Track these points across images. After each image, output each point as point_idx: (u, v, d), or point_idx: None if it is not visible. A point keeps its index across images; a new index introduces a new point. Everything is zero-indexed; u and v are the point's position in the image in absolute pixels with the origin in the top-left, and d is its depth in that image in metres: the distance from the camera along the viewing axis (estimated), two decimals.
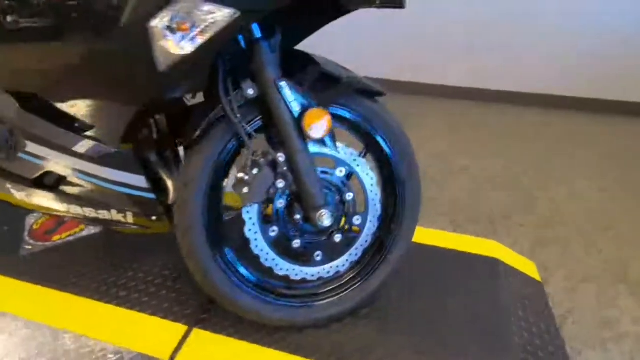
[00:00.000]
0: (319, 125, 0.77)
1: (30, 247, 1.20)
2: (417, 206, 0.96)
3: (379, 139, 0.90)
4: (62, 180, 0.81)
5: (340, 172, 0.88)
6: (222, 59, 0.76)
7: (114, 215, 0.82)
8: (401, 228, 0.95)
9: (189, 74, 0.70)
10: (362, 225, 0.92)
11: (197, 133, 0.78)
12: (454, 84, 2.59)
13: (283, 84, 0.77)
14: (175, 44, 0.65)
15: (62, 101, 0.75)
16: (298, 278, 0.91)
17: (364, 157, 0.93)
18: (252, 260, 0.87)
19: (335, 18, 0.84)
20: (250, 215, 0.82)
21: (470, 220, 1.43)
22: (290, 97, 0.77)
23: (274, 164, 0.79)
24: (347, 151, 0.88)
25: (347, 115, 0.87)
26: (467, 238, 1.31)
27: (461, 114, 2.34)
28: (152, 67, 0.66)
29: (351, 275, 0.97)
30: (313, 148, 0.82)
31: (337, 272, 0.94)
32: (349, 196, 0.90)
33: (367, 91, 0.87)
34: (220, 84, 0.76)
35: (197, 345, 0.91)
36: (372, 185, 0.91)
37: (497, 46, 2.43)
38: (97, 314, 0.99)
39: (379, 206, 0.93)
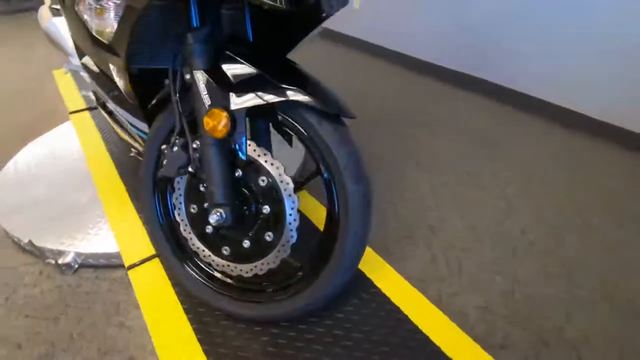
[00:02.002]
0: (215, 125, 0.75)
1: None
2: (349, 263, 0.83)
3: (322, 170, 0.80)
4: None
5: (262, 182, 0.83)
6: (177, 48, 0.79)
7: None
8: (315, 278, 0.84)
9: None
10: (272, 245, 0.85)
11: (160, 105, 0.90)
12: None
13: (199, 76, 0.76)
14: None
15: None
16: (206, 260, 0.94)
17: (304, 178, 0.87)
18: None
19: (317, 25, 0.84)
20: (179, 185, 0.90)
21: None
22: (203, 90, 0.77)
23: (186, 148, 0.82)
24: (277, 165, 0.82)
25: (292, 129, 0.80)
26: None
27: None
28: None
29: (263, 289, 0.94)
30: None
31: (255, 275, 0.90)
32: (265, 209, 0.84)
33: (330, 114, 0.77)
34: (170, 69, 0.81)
35: None
36: (292, 209, 0.82)
37: None
38: None
39: (294, 233, 0.83)
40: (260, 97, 0.73)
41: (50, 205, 1.32)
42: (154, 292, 1.04)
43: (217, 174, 0.79)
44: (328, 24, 3.46)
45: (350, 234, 0.79)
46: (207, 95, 0.76)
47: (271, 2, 0.63)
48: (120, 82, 0.87)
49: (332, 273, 0.82)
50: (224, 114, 0.74)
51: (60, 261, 1.13)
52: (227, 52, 0.77)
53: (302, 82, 0.76)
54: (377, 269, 1.13)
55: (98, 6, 0.78)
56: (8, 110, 2.22)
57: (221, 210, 0.80)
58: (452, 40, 2.41)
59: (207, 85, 0.75)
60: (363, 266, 1.13)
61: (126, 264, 1.11)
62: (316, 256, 0.86)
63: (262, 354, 0.89)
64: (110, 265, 1.16)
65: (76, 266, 1.15)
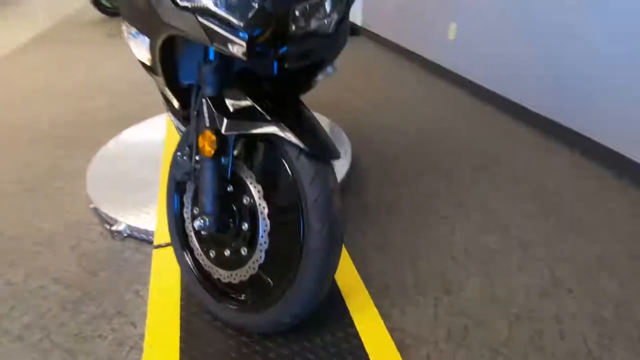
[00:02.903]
0: (205, 144, 0.86)
1: None
2: (306, 299, 0.85)
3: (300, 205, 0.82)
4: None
5: (245, 201, 0.91)
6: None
7: None
8: (277, 302, 0.88)
9: None
10: (245, 260, 0.93)
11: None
12: None
13: (205, 100, 0.86)
14: None
15: None
16: (198, 258, 1.04)
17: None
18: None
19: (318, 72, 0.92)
20: (190, 188, 1.02)
21: None
22: (205, 113, 0.86)
23: (190, 158, 0.93)
24: (258, 188, 0.88)
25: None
26: None
27: None
28: None
29: (238, 296, 1.00)
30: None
31: (230, 282, 0.99)
32: (244, 226, 0.92)
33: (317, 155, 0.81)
34: (195, 87, 0.92)
35: None
36: (264, 231, 0.88)
37: None
38: None
39: (262, 255, 0.90)
40: (247, 127, 0.81)
41: (124, 180, 1.62)
42: (165, 273, 1.20)
43: (206, 186, 0.89)
44: (419, 50, 3.40)
45: (310, 271, 0.81)
46: (207, 118, 0.87)
47: (227, 52, 0.71)
48: (167, 96, 1.05)
49: (289, 304, 0.86)
50: (213, 137, 0.84)
51: (114, 228, 1.38)
52: (234, 84, 0.87)
53: (292, 119, 0.81)
54: (364, 309, 1.10)
55: (132, 35, 0.95)
56: (125, 98, 2.71)
57: (206, 218, 0.90)
58: (538, 80, 2.17)
59: (208, 109, 0.86)
60: (351, 302, 1.12)
61: (155, 243, 1.30)
62: (281, 281, 0.90)
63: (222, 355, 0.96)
64: (147, 240, 1.37)
65: (125, 235, 1.39)
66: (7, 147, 2.04)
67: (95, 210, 1.50)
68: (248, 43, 0.68)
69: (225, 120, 0.83)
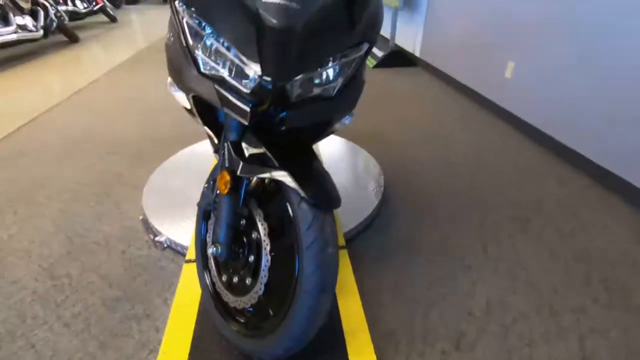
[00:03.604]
0: (220, 182, 0.97)
1: None
2: (293, 337, 0.90)
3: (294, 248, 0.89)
4: None
5: (254, 236, 0.99)
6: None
7: None
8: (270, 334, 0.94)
9: None
10: (248, 290, 1.01)
11: None
12: None
13: (226, 145, 0.96)
14: None
15: None
16: (213, 279, 1.14)
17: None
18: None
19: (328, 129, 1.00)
20: (215, 215, 1.10)
21: None
22: (226, 154, 0.97)
23: (212, 191, 1.04)
24: (265, 226, 0.97)
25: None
26: None
27: None
28: None
29: (241, 319, 1.07)
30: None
31: (235, 307, 1.07)
32: (251, 258, 1.01)
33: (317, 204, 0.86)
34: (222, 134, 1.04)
35: None
36: (265, 266, 0.96)
37: None
38: None
39: (262, 287, 0.98)
40: (259, 172, 0.91)
41: (173, 195, 1.82)
42: (190, 287, 1.33)
43: (220, 218, 1.00)
44: (474, 85, 3.33)
45: (300, 310, 0.87)
46: (226, 159, 0.98)
47: (233, 115, 0.81)
48: (205, 132, 1.19)
49: (283, 337, 0.92)
50: (228, 177, 0.95)
51: (156, 239, 1.56)
52: (253, 131, 0.97)
53: (299, 167, 0.89)
54: (363, 352, 1.12)
55: (173, 88, 1.09)
56: (188, 119, 3.02)
57: (218, 246, 1.00)
58: (599, 129, 2.00)
59: (228, 152, 0.97)
60: (351, 342, 1.14)
61: (186, 258, 1.45)
62: (278, 314, 0.96)
63: None
64: (182, 253, 1.53)
65: (165, 246, 1.57)
66: (87, 156, 2.39)
67: (144, 221, 1.70)
68: (250, 110, 0.78)
69: (241, 164, 0.93)
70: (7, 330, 1.25)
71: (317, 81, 0.81)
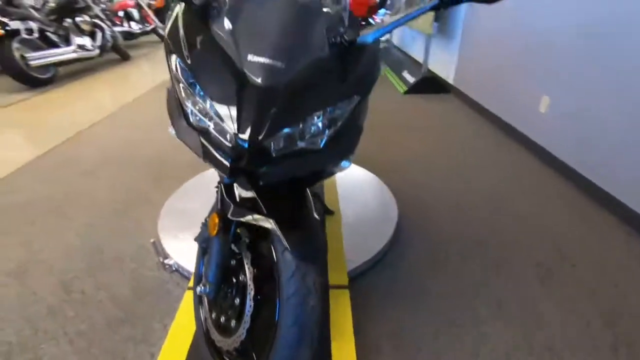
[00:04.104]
0: (210, 224, 0.99)
1: None
2: None
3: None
4: None
5: (241, 279, 0.99)
6: None
7: None
8: None
9: None
10: (232, 332, 1.00)
11: None
12: None
13: (220, 186, 0.99)
14: None
15: None
16: (204, 315, 1.13)
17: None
18: None
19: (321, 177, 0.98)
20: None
21: None
22: (219, 197, 0.99)
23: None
24: (251, 270, 0.97)
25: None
26: None
27: None
28: None
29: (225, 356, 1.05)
30: None
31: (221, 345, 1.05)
32: (236, 301, 1.00)
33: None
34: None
35: None
36: (247, 311, 0.95)
37: None
38: None
39: (244, 332, 0.96)
40: (247, 216, 0.91)
41: (187, 219, 1.88)
42: (188, 316, 1.35)
43: (211, 258, 1.01)
44: (506, 117, 3.19)
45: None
46: (218, 201, 0.99)
47: (215, 168, 0.83)
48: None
49: None
50: (217, 220, 0.96)
51: (165, 261, 1.61)
52: (245, 175, 0.98)
53: (286, 215, 0.88)
54: None
55: (171, 133, 1.13)
56: None
57: (207, 285, 1.01)
58: None
59: (221, 194, 0.99)
60: None
61: (190, 285, 1.48)
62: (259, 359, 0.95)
63: None
64: (188, 278, 1.56)
65: (173, 269, 1.61)
66: (119, 172, 2.54)
67: (154, 244, 1.77)
68: (230, 165, 0.79)
69: (231, 207, 0.94)
70: (19, 342, 1.32)
71: (300, 136, 0.81)
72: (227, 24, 0.84)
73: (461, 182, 2.37)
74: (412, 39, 5.36)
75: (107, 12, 5.77)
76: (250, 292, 0.96)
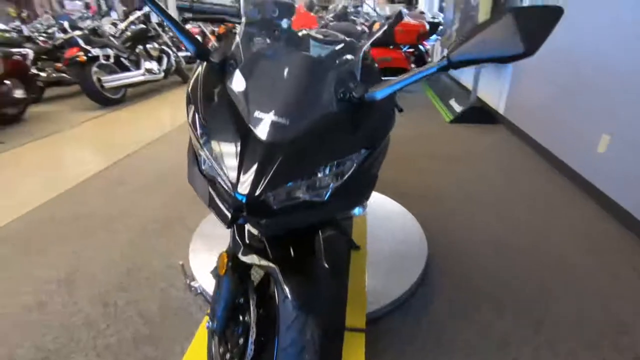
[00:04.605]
0: (219, 263, 1.02)
1: None
2: None
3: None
4: None
5: (247, 319, 0.99)
6: None
7: None
8: None
9: None
10: None
11: None
12: None
13: (234, 226, 1.00)
14: None
15: None
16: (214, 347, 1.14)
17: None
18: None
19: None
20: None
21: None
22: (231, 237, 1.01)
23: None
24: (255, 311, 0.97)
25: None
26: None
27: None
28: None
29: None
30: None
31: None
32: (241, 340, 0.99)
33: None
34: None
35: None
36: (249, 355, 0.95)
37: None
38: None
39: None
40: (254, 259, 0.93)
41: (216, 244, 1.95)
42: (203, 343, 1.39)
43: (220, 296, 1.03)
44: (559, 153, 2.97)
45: None
46: (231, 241, 1.02)
47: (217, 217, 0.86)
48: None
49: None
50: (226, 259, 0.98)
51: (191, 284, 1.68)
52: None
53: (292, 262, 0.89)
54: None
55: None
56: None
57: (215, 321, 1.03)
58: None
59: (233, 234, 1.02)
60: None
61: (207, 311, 1.52)
62: None
63: None
64: (210, 302, 1.61)
65: (198, 292, 1.67)
66: (165, 191, 2.72)
67: (182, 266, 1.85)
68: (231, 216, 0.82)
69: (241, 248, 0.97)
70: (55, 349, 1.45)
71: (303, 189, 0.82)
72: (240, 80, 0.89)
73: (502, 223, 2.22)
74: None
75: (174, 39, 6.32)
76: (252, 335, 0.96)
